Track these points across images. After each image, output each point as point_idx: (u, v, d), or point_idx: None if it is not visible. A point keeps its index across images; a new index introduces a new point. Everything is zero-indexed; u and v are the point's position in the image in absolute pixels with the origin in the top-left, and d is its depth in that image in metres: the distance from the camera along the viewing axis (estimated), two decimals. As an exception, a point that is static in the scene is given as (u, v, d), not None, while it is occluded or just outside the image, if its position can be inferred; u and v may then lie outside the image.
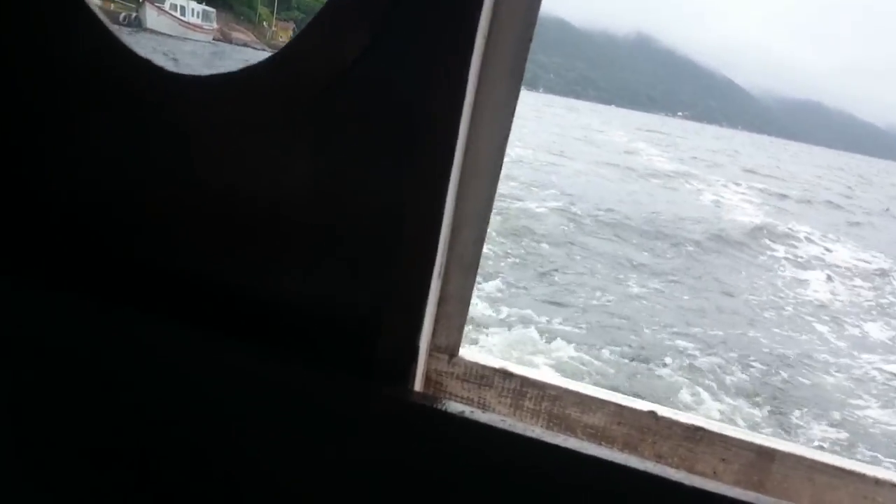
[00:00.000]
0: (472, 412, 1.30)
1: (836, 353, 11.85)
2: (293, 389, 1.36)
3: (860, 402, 9.84)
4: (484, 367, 1.46)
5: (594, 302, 12.26)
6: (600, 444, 1.42)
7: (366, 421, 1.34)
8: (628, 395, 1.49)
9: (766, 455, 1.37)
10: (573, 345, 9.85)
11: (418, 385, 1.42)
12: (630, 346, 10.34)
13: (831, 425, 8.90)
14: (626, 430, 1.42)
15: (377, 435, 1.33)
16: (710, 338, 11.29)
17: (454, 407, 1.30)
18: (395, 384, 1.36)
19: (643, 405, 1.41)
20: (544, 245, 15.57)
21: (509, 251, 14.54)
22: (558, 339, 9.98)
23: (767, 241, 20.89)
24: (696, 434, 1.38)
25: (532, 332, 10.08)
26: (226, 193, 1.39)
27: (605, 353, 9.90)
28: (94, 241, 1.48)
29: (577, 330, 10.65)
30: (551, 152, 34.71)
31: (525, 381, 1.45)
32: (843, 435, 8.63)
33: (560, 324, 10.75)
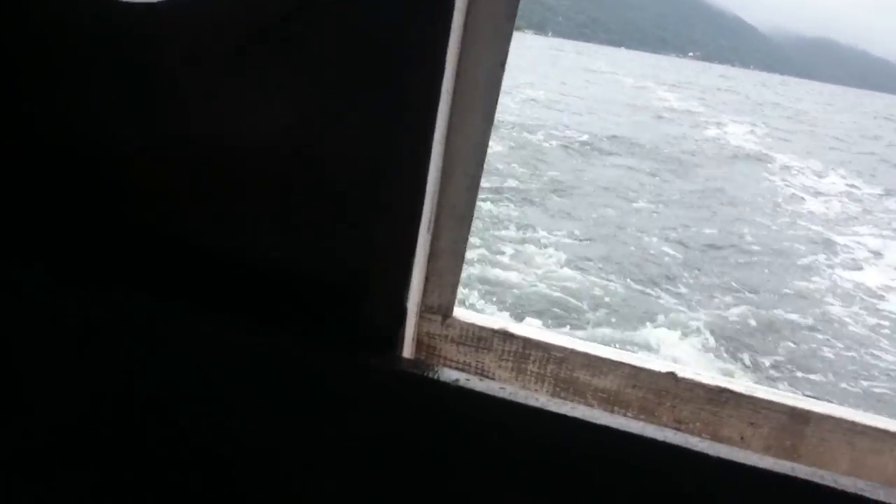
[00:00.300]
0: (467, 380, 1.15)
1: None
2: (270, 360, 1.22)
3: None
4: (482, 328, 1.32)
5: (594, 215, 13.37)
6: (613, 410, 1.28)
7: (351, 393, 1.20)
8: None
9: (800, 417, 1.22)
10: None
11: (408, 351, 1.27)
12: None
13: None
14: (641, 393, 1.27)
15: (365, 407, 1.19)
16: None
17: (447, 375, 1.16)
18: (383, 351, 1.21)
19: (661, 365, 1.26)
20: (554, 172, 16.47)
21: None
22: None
23: (764, 167, 21.79)
24: (720, 396, 1.24)
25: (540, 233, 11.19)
26: (191, 143, 1.23)
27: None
28: (49, 198, 1.33)
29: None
30: (562, 93, 34.38)
31: (528, 343, 1.30)
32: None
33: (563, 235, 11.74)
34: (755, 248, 12.87)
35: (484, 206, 12.05)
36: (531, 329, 1.32)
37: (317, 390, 1.21)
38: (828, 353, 8.74)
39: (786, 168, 23.11)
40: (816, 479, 1.02)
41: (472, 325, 1.32)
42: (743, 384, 1.24)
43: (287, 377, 1.22)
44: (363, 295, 1.20)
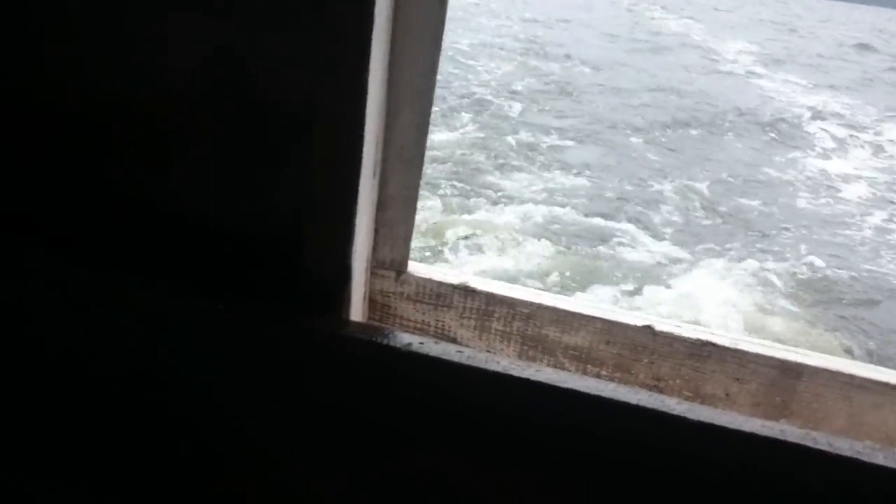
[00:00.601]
0: (421, 344, 1.03)
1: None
2: (201, 326, 1.10)
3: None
4: (440, 283, 1.19)
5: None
6: (586, 369, 1.16)
7: (294, 358, 1.07)
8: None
9: (792, 371, 1.10)
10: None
11: (358, 312, 1.15)
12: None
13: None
14: (616, 350, 1.15)
15: (310, 375, 1.07)
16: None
17: (399, 339, 1.03)
18: (327, 312, 1.09)
19: (636, 318, 1.14)
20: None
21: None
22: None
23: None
24: (702, 350, 1.12)
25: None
26: (99, 89, 1.08)
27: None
28: None
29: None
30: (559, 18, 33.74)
31: (491, 298, 1.18)
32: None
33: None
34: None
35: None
36: (494, 284, 1.19)
37: (255, 357, 1.08)
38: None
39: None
40: (809, 443, 0.90)
41: (429, 280, 1.19)
42: (727, 336, 1.12)
43: (223, 344, 1.09)
44: (300, 249, 1.06)
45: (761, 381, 1.11)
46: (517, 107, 12.94)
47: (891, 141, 14.39)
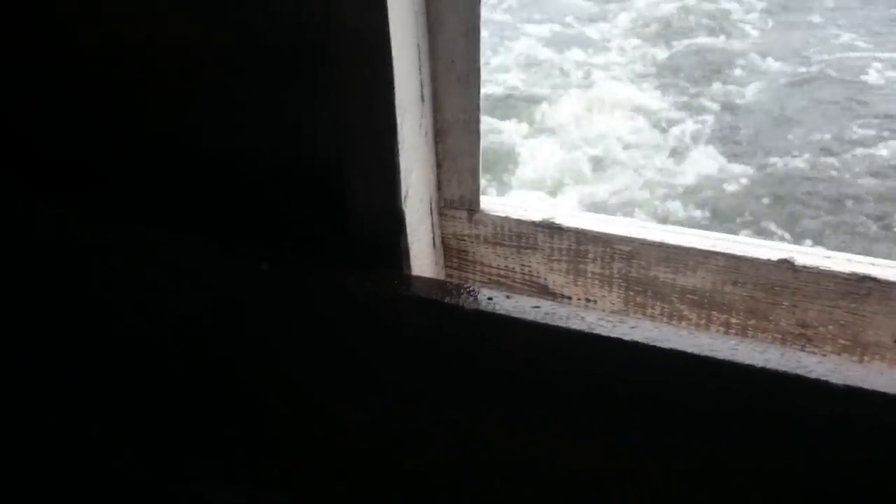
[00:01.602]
0: (489, 300, 0.85)
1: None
2: (246, 286, 0.98)
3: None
4: (520, 221, 0.99)
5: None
6: (710, 317, 0.94)
7: (340, 323, 0.93)
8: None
9: None
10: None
11: (423, 264, 0.98)
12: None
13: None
14: (747, 291, 0.91)
15: (357, 346, 0.93)
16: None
17: (461, 295, 0.86)
18: (378, 267, 0.93)
19: (770, 251, 0.89)
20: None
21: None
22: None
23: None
24: (859, 287, 0.85)
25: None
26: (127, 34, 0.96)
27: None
28: None
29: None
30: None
31: (582, 236, 0.96)
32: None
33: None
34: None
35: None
36: (585, 218, 0.98)
37: (306, 323, 0.95)
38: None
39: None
40: None
41: (507, 219, 0.99)
42: (893, 269, 0.84)
43: (268, 303, 0.97)
44: (342, 195, 0.91)
45: None
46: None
47: None
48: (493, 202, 1.00)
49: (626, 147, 6.17)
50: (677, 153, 6.05)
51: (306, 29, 0.84)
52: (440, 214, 1.02)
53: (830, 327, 0.89)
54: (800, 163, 5.77)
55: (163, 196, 1.05)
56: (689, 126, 6.47)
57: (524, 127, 6.43)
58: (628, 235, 0.94)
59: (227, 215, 1.02)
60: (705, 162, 5.88)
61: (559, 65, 7.82)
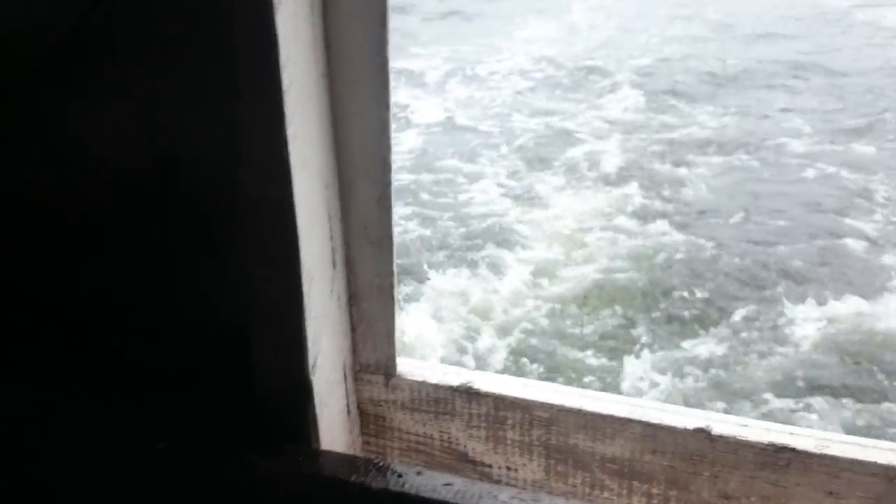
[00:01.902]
0: (399, 477, 0.81)
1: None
2: (139, 468, 0.92)
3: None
4: (437, 386, 0.96)
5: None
6: (632, 487, 0.90)
7: None
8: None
9: None
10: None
11: (336, 435, 0.93)
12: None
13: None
14: (666, 460, 0.89)
15: None
16: None
17: (371, 476, 0.82)
18: (285, 442, 0.88)
19: (686, 420, 0.87)
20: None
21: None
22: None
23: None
24: (778, 457, 0.84)
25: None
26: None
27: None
28: None
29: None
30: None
31: (500, 402, 0.94)
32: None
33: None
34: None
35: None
36: (502, 382, 0.95)
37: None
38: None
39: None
40: None
41: (425, 383, 0.96)
42: (811, 438, 0.83)
43: (169, 484, 0.90)
44: (247, 365, 0.87)
45: (863, 495, 0.82)
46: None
47: None
48: (410, 365, 0.98)
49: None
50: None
51: (213, 198, 0.84)
52: (355, 380, 0.99)
53: (753, 499, 0.86)
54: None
55: (57, 358, 1.00)
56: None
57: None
58: (546, 401, 0.92)
59: (131, 382, 0.97)
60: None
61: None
